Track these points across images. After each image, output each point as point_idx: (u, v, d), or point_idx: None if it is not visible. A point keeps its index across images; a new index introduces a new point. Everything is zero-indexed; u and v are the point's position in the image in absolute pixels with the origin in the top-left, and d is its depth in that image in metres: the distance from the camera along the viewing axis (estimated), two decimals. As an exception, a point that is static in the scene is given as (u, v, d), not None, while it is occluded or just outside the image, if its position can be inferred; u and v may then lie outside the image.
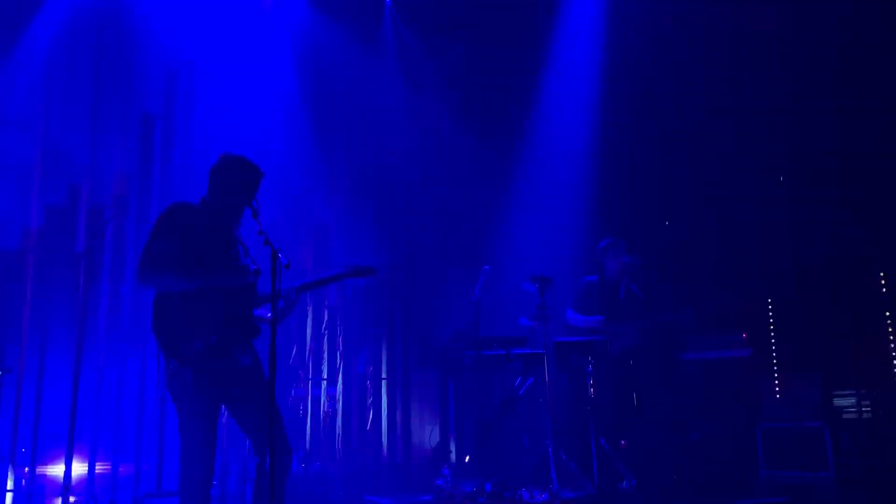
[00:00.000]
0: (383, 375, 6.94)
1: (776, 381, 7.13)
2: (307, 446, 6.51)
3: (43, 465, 5.59)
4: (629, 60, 7.55)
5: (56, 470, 5.63)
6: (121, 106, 6.46)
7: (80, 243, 6.08)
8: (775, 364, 7.18)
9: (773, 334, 7.27)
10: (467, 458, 5.94)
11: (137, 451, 5.69)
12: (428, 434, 6.67)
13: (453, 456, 6.69)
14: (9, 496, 5.34)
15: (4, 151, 6.11)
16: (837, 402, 5.85)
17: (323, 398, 6.73)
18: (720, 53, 7.21)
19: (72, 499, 5.48)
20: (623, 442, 5.81)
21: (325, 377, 6.77)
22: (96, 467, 5.64)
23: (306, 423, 6.59)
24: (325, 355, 6.77)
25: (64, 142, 6.29)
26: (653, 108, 7.46)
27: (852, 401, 6.20)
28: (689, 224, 7.37)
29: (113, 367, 5.89)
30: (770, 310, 7.27)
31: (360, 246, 7.17)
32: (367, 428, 6.77)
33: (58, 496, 5.47)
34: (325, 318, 6.79)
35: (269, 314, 3.33)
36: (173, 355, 3.34)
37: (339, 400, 6.73)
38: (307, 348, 6.79)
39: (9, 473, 5.42)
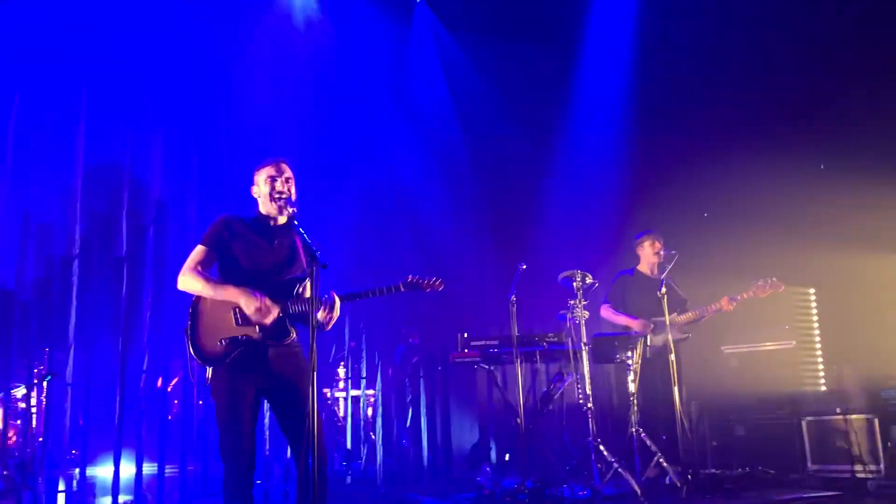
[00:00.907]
0: (421, 374, 6.95)
1: (821, 373, 6.99)
2: (348, 446, 6.56)
3: (92, 466, 5.72)
4: (663, 51, 7.46)
5: (104, 471, 5.76)
6: (156, 113, 6.59)
7: (122, 248, 6.20)
8: (820, 355, 7.04)
9: (817, 325, 7.12)
10: (507, 455, 5.94)
11: (183, 453, 5.80)
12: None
13: (493, 454, 6.68)
14: (61, 497, 5.47)
15: (48, 159, 6.27)
16: (885, 393, 5.70)
17: (362, 398, 6.78)
18: (754, 42, 7.09)
19: (121, 499, 5.60)
20: (665, 437, 5.74)
21: (364, 376, 6.81)
22: (143, 468, 5.76)
23: (346, 423, 6.63)
24: (364, 355, 6.80)
25: (104, 148, 6.43)
26: (687, 97, 7.37)
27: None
28: (728, 214, 7.25)
29: (156, 370, 6.01)
30: (814, 300, 7.13)
31: (395, 245, 7.20)
32: (407, 426, 6.79)
33: (107, 496, 5.60)
34: (363, 318, 6.82)
35: (317, 315, 3.38)
36: (201, 355, 3.43)
37: (378, 399, 6.76)
38: (346, 348, 6.84)
39: (59, 475, 5.56)
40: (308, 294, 3.46)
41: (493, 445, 6.73)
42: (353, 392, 6.88)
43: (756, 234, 6.99)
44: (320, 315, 3.36)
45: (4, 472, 4.80)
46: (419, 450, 6.69)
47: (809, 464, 5.85)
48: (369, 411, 6.90)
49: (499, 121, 7.86)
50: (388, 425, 6.74)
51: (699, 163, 7.33)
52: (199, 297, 3.50)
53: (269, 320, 3.42)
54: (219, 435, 3.40)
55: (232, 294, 3.43)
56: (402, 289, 3.63)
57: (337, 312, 3.43)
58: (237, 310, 3.44)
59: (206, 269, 3.54)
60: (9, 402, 5.54)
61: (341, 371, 7.42)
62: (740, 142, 7.21)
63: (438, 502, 5.61)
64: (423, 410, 6.76)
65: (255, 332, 3.43)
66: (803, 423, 5.94)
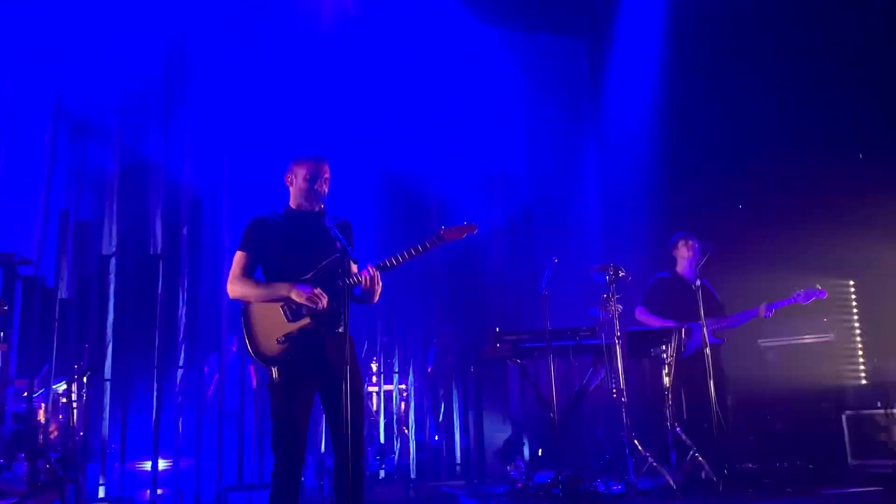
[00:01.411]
0: (454, 369, 6.95)
1: (861, 367, 6.84)
2: (381, 440, 6.59)
3: (131, 460, 5.82)
4: (697, 42, 7.35)
5: (143, 464, 5.87)
6: (189, 112, 6.67)
7: (158, 246, 6.30)
8: (860, 348, 6.89)
9: (856, 317, 6.97)
10: (540, 450, 5.92)
11: (219, 447, 5.87)
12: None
13: (526, 448, 6.67)
14: (101, 489, 5.59)
15: (84, 162, 6.38)
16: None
17: (395, 393, 6.80)
18: (790, 28, 6.96)
19: (159, 491, 5.70)
20: (699, 431, 5.67)
21: (396, 371, 6.84)
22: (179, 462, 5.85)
23: (379, 418, 6.66)
24: (396, 350, 6.82)
25: (140, 149, 6.53)
26: (723, 91, 7.26)
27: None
28: (763, 206, 7.13)
29: (192, 366, 6.09)
30: (853, 292, 6.98)
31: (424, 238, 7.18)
32: (440, 421, 6.80)
33: (145, 489, 5.70)
34: (395, 312, 6.84)
35: (358, 294, 3.43)
36: (263, 358, 3.47)
37: (410, 394, 6.79)
38: (378, 343, 6.86)
39: (99, 468, 5.67)
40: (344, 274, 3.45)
41: (525, 440, 6.72)
42: (386, 387, 6.90)
43: (792, 226, 6.86)
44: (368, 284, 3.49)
45: (47, 466, 4.91)
46: (452, 444, 6.70)
47: (850, 459, 5.74)
48: (402, 406, 6.92)
49: (529, 114, 7.82)
50: (421, 420, 6.75)
51: (733, 154, 7.21)
52: (248, 305, 3.54)
53: (322, 305, 3.45)
54: (272, 428, 3.46)
55: (280, 290, 3.50)
56: (438, 241, 3.67)
57: (379, 284, 3.53)
58: (285, 307, 3.49)
59: (252, 273, 3.60)
60: (50, 398, 5.65)
61: (374, 366, 7.45)
62: (776, 133, 7.08)
63: (471, 497, 5.61)
64: (455, 405, 6.76)
65: (308, 323, 3.47)
66: (843, 418, 5.82)
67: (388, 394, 6.85)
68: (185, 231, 6.33)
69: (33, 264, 5.74)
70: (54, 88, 6.39)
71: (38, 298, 6.00)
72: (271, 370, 3.46)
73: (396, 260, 3.57)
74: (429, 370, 7.08)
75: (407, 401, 6.83)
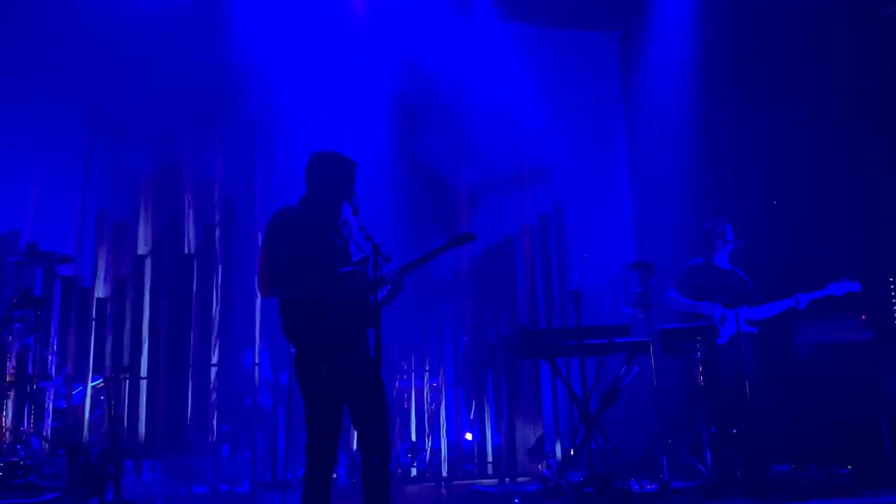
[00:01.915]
0: (485, 366, 6.94)
1: (902, 365, 6.69)
2: (412, 438, 6.60)
3: (166, 456, 5.91)
4: (730, 34, 7.25)
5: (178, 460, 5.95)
6: (221, 113, 6.75)
7: (192, 246, 6.39)
8: (901, 347, 6.73)
9: (896, 315, 6.82)
10: (572, 448, 5.87)
11: (253, 441, 5.94)
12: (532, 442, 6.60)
13: (558, 446, 6.64)
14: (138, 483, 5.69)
15: (120, 164, 6.50)
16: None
17: (426, 390, 6.81)
18: (829, 20, 6.83)
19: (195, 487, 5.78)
20: (735, 430, 5.60)
21: (427, 369, 6.85)
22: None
23: (410, 415, 6.68)
24: (427, 347, 6.83)
25: (172, 151, 6.62)
26: (757, 83, 7.14)
27: None
28: (801, 202, 7.00)
29: (226, 364, 6.17)
30: (893, 290, 6.83)
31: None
32: (471, 418, 6.80)
33: (181, 484, 5.79)
34: (426, 310, 6.85)
35: (380, 299, 3.45)
36: (306, 351, 3.49)
37: (441, 391, 6.79)
38: (409, 341, 6.87)
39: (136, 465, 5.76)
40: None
41: (557, 438, 6.69)
42: (417, 385, 6.92)
43: (829, 222, 6.74)
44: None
45: (86, 462, 5.00)
46: (483, 442, 6.69)
47: (891, 460, 5.62)
48: (432, 404, 6.93)
49: (560, 109, 7.76)
50: (452, 418, 6.75)
51: (768, 147, 7.10)
52: (289, 301, 3.53)
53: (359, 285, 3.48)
54: (306, 427, 3.47)
55: (326, 286, 3.50)
56: (444, 249, 3.77)
57: (401, 287, 3.60)
58: (330, 303, 3.49)
59: (280, 269, 3.56)
60: (88, 395, 5.76)
61: (405, 364, 7.47)
62: (811, 126, 6.95)
63: (503, 495, 5.60)
64: (486, 403, 6.76)
65: (344, 318, 3.48)
66: (884, 419, 5.70)
67: (420, 392, 6.87)
68: (218, 230, 6.40)
69: (72, 263, 5.84)
70: (90, 91, 6.52)
71: (76, 297, 6.13)
72: (320, 368, 3.47)
73: (410, 266, 3.66)
74: (454, 365, 7.07)
75: (438, 399, 6.83)
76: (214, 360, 6.15)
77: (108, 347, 6.00)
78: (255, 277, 3.59)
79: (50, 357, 5.76)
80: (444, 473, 6.35)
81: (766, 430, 5.56)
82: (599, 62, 8.00)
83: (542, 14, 7.72)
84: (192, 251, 6.40)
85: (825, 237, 6.66)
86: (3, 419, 4.73)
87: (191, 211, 6.50)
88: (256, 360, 6.25)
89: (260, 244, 3.70)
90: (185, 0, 6.73)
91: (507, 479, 6.34)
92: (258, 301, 6.28)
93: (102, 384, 5.79)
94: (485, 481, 6.30)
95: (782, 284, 5.83)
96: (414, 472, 6.41)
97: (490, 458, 6.59)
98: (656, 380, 5.37)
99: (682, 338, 5.51)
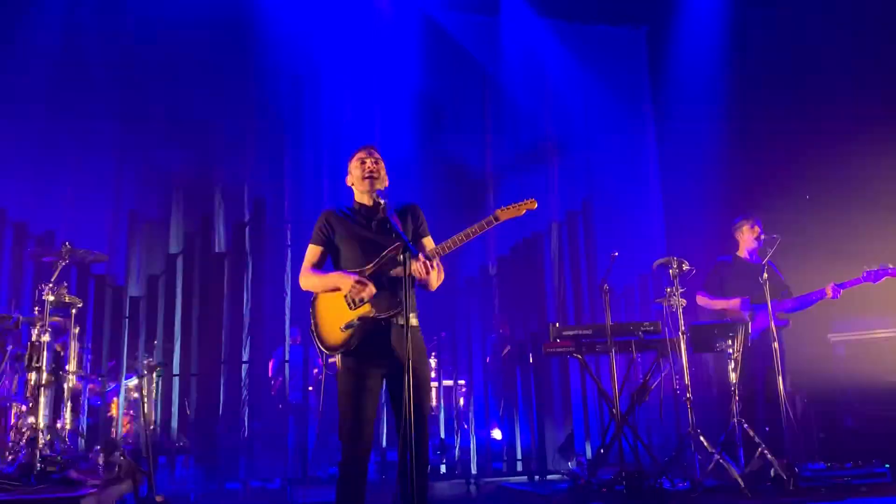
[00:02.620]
0: (513, 364, 6.92)
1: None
2: (441, 435, 6.61)
3: (198, 452, 5.97)
4: (761, 23, 7.16)
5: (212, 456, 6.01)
6: (250, 113, 6.81)
7: (223, 244, 6.46)
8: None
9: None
10: (602, 446, 5.83)
11: (284, 440, 5.98)
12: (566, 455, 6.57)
13: (588, 444, 6.60)
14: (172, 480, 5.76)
15: (151, 164, 6.58)
16: None
17: (455, 388, 6.81)
18: (857, 13, 6.72)
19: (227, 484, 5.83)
20: (768, 428, 5.53)
21: (456, 366, 6.85)
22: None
23: (440, 413, 6.69)
24: (455, 345, 6.83)
25: (202, 151, 6.70)
26: (787, 77, 7.05)
27: None
28: (831, 194, 6.90)
29: (257, 361, 6.22)
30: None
31: (488, 235, 7.17)
32: (500, 416, 6.79)
33: (214, 480, 5.85)
34: (454, 307, 6.85)
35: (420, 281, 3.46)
36: (328, 346, 3.54)
37: (469, 389, 6.78)
38: (437, 338, 6.88)
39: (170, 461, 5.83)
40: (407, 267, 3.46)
41: (587, 435, 6.66)
42: (445, 382, 6.92)
43: (862, 215, 6.62)
44: (420, 274, 3.45)
45: (121, 458, 5.07)
46: (512, 440, 6.68)
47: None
48: (461, 401, 6.93)
49: (588, 104, 7.72)
50: (480, 415, 6.75)
51: (799, 141, 7.00)
52: (316, 295, 3.65)
53: (365, 294, 3.50)
54: (339, 418, 3.51)
55: (333, 280, 3.59)
56: (493, 222, 3.60)
57: (435, 270, 3.50)
58: (347, 295, 3.55)
59: (320, 264, 3.72)
60: (122, 393, 5.84)
61: (433, 361, 7.48)
62: (843, 118, 6.84)
63: (533, 493, 5.59)
64: (515, 400, 6.74)
65: (369, 310, 3.51)
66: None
67: (448, 389, 6.87)
68: (248, 229, 6.46)
69: (105, 262, 5.93)
70: (122, 92, 6.61)
71: (109, 296, 6.22)
72: (336, 359, 3.54)
73: (452, 244, 3.55)
74: (482, 362, 7.06)
75: (466, 396, 6.83)
76: (245, 357, 6.20)
77: (141, 345, 6.08)
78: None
79: (84, 355, 5.85)
80: (474, 471, 6.35)
81: (799, 428, 5.49)
82: (627, 58, 7.93)
83: (571, 9, 7.69)
84: (223, 249, 6.47)
85: (859, 230, 6.55)
86: (41, 416, 4.81)
87: (221, 210, 6.57)
88: (287, 357, 6.30)
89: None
90: (216, 2, 6.81)
91: (536, 477, 6.32)
92: (287, 298, 6.32)
93: (136, 381, 5.87)
94: (514, 479, 6.29)
95: (815, 276, 5.74)
96: (443, 469, 6.41)
97: (519, 456, 6.57)
98: (687, 377, 5.31)
99: (713, 334, 5.45)
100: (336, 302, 3.56)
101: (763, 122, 7.19)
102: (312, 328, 3.61)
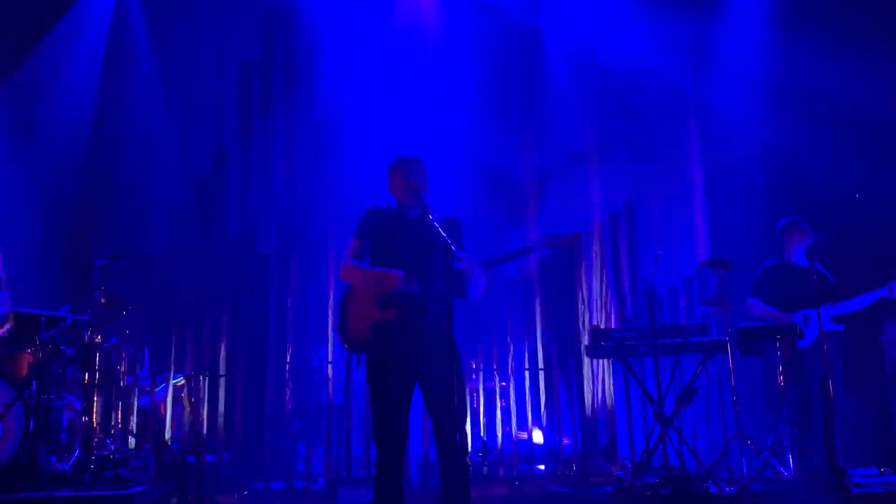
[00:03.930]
0: (555, 366, 6.89)
1: None
2: (483, 437, 6.60)
3: (244, 451, 6.06)
4: (809, 19, 7.02)
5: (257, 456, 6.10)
6: (290, 115, 6.91)
7: (269, 246, 6.55)
8: None
9: None
10: (647, 449, 5.77)
11: (327, 437, 6.03)
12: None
13: (632, 447, 6.53)
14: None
15: (209, 177, 6.71)
16: None
17: (497, 389, 6.80)
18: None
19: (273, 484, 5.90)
20: (818, 432, 5.42)
21: (497, 368, 6.83)
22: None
23: (479, 415, 6.68)
24: (496, 346, 6.82)
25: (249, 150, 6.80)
26: (836, 74, 6.89)
27: None
28: (881, 195, 6.72)
29: (302, 361, 6.29)
30: None
31: (515, 234, 7.16)
32: (542, 418, 6.75)
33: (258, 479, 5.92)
34: (494, 309, 6.84)
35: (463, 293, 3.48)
36: (353, 343, 3.56)
37: (511, 391, 6.77)
38: (478, 340, 6.87)
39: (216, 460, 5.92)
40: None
41: (630, 439, 6.59)
42: (486, 384, 6.91)
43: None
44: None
45: (170, 457, 5.18)
46: (554, 442, 6.64)
47: None
48: (502, 403, 6.91)
49: (631, 101, 7.64)
50: (522, 417, 6.72)
51: (847, 138, 6.84)
52: (347, 293, 3.69)
53: (411, 289, 3.54)
54: (373, 418, 3.53)
55: (378, 276, 3.61)
56: (538, 247, 3.75)
57: (478, 280, 3.56)
58: (379, 295, 3.58)
59: (362, 259, 3.76)
60: (170, 393, 5.96)
61: (473, 363, 7.48)
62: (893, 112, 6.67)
63: (577, 495, 5.55)
64: (557, 403, 6.71)
65: (396, 314, 3.54)
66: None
67: (489, 391, 6.86)
68: (295, 230, 6.55)
69: (155, 264, 6.06)
70: (163, 88, 6.77)
71: (157, 297, 6.36)
72: (364, 356, 3.57)
73: (495, 262, 3.65)
74: (524, 364, 7.03)
75: (507, 398, 6.81)
76: (290, 357, 6.28)
77: (189, 346, 6.19)
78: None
79: (134, 356, 5.99)
80: (515, 473, 6.33)
81: (851, 432, 5.36)
82: (669, 53, 7.82)
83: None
84: (270, 251, 6.56)
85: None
86: (94, 416, 4.94)
87: (266, 211, 6.67)
88: (330, 358, 6.36)
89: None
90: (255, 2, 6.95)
91: (580, 480, 6.27)
92: (330, 300, 6.38)
93: (183, 382, 5.99)
94: (557, 482, 6.25)
95: (870, 277, 5.60)
96: (485, 471, 6.40)
97: (562, 459, 6.53)
98: (734, 380, 5.23)
99: (761, 337, 5.37)
100: (365, 299, 3.60)
101: (811, 121, 7.04)
102: (339, 322, 3.67)
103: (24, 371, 4.79)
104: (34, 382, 4.51)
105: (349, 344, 3.62)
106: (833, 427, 5.05)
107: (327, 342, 6.35)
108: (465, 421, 3.67)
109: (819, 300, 5.16)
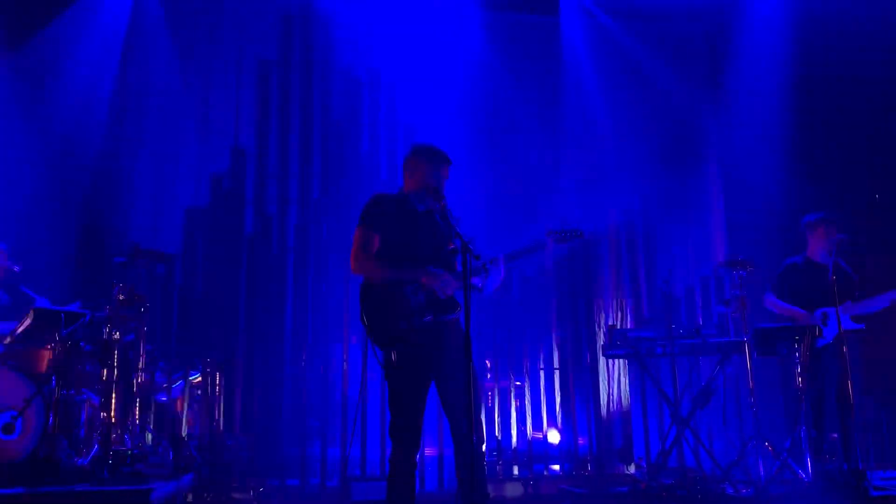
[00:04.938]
0: (570, 366, 6.87)
1: None
2: (498, 437, 6.60)
3: (260, 448, 6.08)
4: (827, 17, 6.95)
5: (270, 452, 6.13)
6: (309, 114, 6.93)
7: (286, 242, 6.58)
8: None
9: None
10: (663, 450, 5.76)
11: (343, 436, 6.05)
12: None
13: (648, 448, 6.51)
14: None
15: (225, 175, 6.75)
16: None
17: (511, 389, 6.79)
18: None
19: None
20: (836, 434, 5.38)
21: (512, 367, 6.82)
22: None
23: (494, 415, 6.68)
24: (511, 346, 6.81)
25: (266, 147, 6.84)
26: (854, 68, 6.82)
27: None
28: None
29: (318, 358, 6.31)
30: None
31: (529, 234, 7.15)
32: (557, 418, 6.74)
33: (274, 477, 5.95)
34: (510, 308, 6.83)
35: (479, 286, 3.47)
36: (377, 337, 3.54)
37: (525, 391, 6.75)
38: (492, 339, 6.87)
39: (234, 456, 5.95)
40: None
41: (646, 439, 6.56)
42: (501, 383, 6.90)
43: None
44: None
45: (187, 453, 5.21)
46: (570, 442, 6.63)
47: None
48: (516, 403, 6.89)
49: (650, 102, 7.61)
50: (537, 417, 6.71)
51: (867, 137, 6.78)
52: (368, 286, 3.63)
53: (447, 292, 3.54)
54: (391, 414, 3.53)
55: (408, 273, 3.56)
56: (548, 242, 3.78)
57: (496, 278, 3.58)
58: (408, 290, 3.55)
59: (372, 251, 3.64)
60: (187, 389, 5.98)
61: (488, 363, 7.47)
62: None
63: (593, 496, 5.54)
64: (572, 402, 6.69)
65: (426, 309, 3.53)
66: None
67: (504, 390, 6.85)
68: (311, 227, 6.57)
69: (171, 261, 6.09)
70: (180, 84, 6.80)
71: (174, 294, 6.40)
72: (390, 353, 3.53)
73: (509, 258, 3.67)
74: (539, 364, 7.02)
75: (523, 397, 6.80)
76: (306, 355, 6.29)
77: (205, 343, 6.22)
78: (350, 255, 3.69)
79: (151, 352, 6.02)
80: (530, 473, 6.32)
81: (870, 434, 5.32)
82: (688, 56, 7.78)
83: (632, 6, 7.60)
84: (287, 248, 6.59)
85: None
86: (112, 412, 4.97)
87: (282, 209, 6.70)
88: (346, 356, 6.37)
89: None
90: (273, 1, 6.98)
91: (595, 480, 6.26)
92: (347, 298, 6.39)
93: (200, 379, 6.01)
94: (572, 482, 6.24)
95: (886, 278, 5.54)
96: (499, 471, 6.40)
97: (577, 459, 6.52)
98: (752, 381, 5.20)
99: (779, 338, 5.32)
100: (392, 294, 3.55)
101: (829, 118, 6.98)
102: (363, 318, 3.58)
103: (44, 367, 4.83)
104: (53, 378, 4.54)
105: (373, 340, 3.57)
106: (851, 428, 5.01)
107: (342, 340, 6.36)
108: (481, 413, 3.66)
109: (840, 298, 5.11)
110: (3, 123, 6.49)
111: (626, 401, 6.71)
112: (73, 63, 6.71)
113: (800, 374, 5.16)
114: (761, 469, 5.05)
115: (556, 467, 6.50)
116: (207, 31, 7.03)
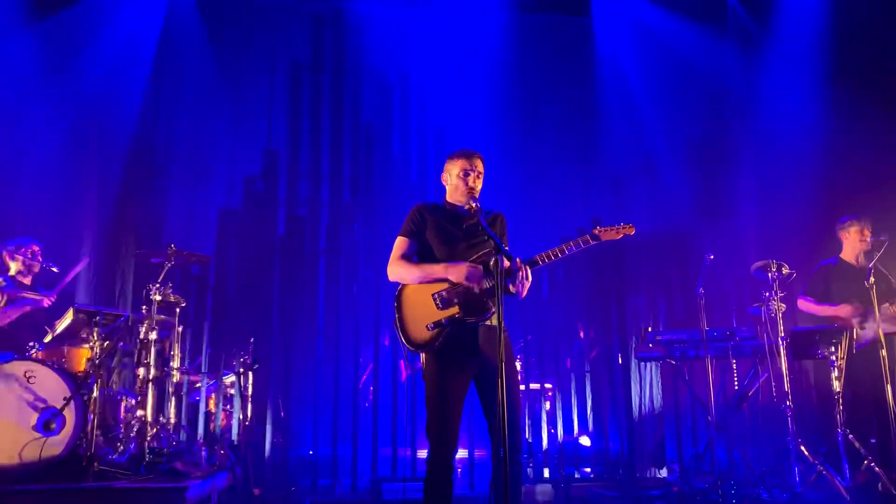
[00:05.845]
0: (601, 368, 6.83)
1: None
2: (529, 439, 6.58)
3: (292, 448, 6.14)
4: (860, 18, 6.85)
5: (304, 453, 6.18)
6: (339, 115, 6.99)
7: (318, 245, 6.63)
8: None
9: None
10: (697, 454, 5.73)
11: (374, 437, 6.08)
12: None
13: (681, 452, 6.45)
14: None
15: (258, 177, 6.82)
16: None
17: (541, 392, 6.77)
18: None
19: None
20: (874, 440, 5.29)
21: (543, 370, 6.80)
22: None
23: (525, 417, 6.65)
24: (542, 348, 6.79)
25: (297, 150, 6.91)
26: (889, 69, 6.71)
27: None
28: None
29: (349, 360, 6.35)
30: None
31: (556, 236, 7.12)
32: (589, 421, 6.70)
33: (306, 476, 6.00)
34: (540, 311, 6.81)
35: (511, 287, 3.46)
36: (412, 343, 3.57)
37: (556, 394, 6.72)
38: (523, 341, 6.85)
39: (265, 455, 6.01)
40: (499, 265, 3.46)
41: (678, 443, 6.50)
42: (532, 386, 6.88)
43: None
44: (524, 282, 3.47)
45: (221, 452, 5.27)
46: (601, 445, 6.59)
47: None
48: (547, 405, 6.88)
49: (674, 103, 7.54)
50: (568, 420, 6.68)
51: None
52: (401, 290, 3.69)
53: (486, 283, 3.52)
54: (427, 418, 3.54)
55: (438, 271, 3.61)
56: (591, 241, 3.66)
57: (528, 279, 3.50)
58: (437, 294, 3.58)
59: (411, 258, 3.74)
60: (220, 390, 6.06)
61: (518, 364, 7.44)
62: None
63: (625, 499, 5.50)
64: (603, 405, 6.65)
65: (457, 311, 3.54)
66: None
67: (535, 393, 6.83)
68: (341, 231, 6.61)
69: (205, 263, 6.17)
70: (213, 87, 6.89)
71: (208, 296, 6.48)
72: (420, 357, 3.56)
73: (548, 257, 3.60)
74: (569, 367, 6.99)
75: (553, 400, 6.78)
76: (337, 356, 6.33)
77: (238, 343, 6.28)
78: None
79: (186, 352, 6.11)
80: (561, 476, 6.29)
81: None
82: (720, 56, 7.69)
83: (660, 7, 7.55)
84: (319, 250, 6.63)
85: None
86: (149, 410, 5.05)
87: (314, 211, 6.74)
88: (376, 357, 6.40)
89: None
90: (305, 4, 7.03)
91: (627, 484, 6.21)
92: (381, 298, 6.42)
93: (232, 378, 6.08)
94: (603, 485, 6.20)
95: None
96: (530, 473, 6.38)
97: (609, 462, 6.47)
98: (787, 384, 5.13)
99: (815, 341, 5.24)
100: (423, 298, 3.59)
101: (866, 118, 6.85)
102: (397, 322, 3.64)
103: (83, 366, 4.92)
104: (92, 377, 4.62)
105: (412, 345, 3.60)
106: (890, 433, 4.92)
107: (373, 342, 6.39)
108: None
109: (877, 300, 5.02)
110: (41, 128, 6.61)
111: (657, 403, 6.65)
112: (105, 69, 6.80)
113: (837, 378, 5.08)
114: (797, 474, 4.97)
115: (588, 470, 6.47)
116: (240, 34, 7.11)
